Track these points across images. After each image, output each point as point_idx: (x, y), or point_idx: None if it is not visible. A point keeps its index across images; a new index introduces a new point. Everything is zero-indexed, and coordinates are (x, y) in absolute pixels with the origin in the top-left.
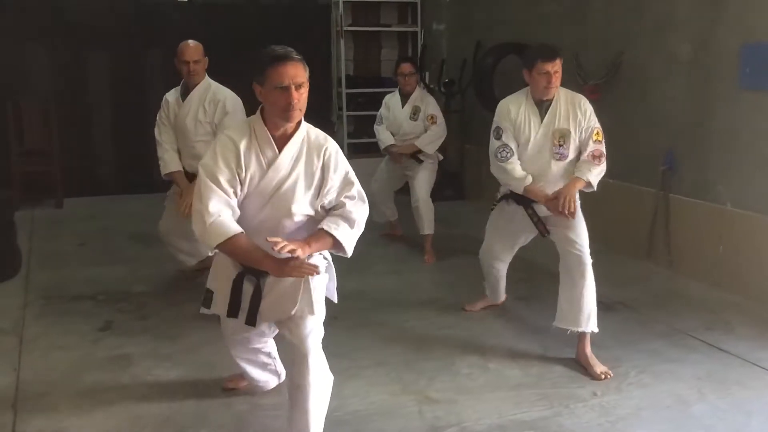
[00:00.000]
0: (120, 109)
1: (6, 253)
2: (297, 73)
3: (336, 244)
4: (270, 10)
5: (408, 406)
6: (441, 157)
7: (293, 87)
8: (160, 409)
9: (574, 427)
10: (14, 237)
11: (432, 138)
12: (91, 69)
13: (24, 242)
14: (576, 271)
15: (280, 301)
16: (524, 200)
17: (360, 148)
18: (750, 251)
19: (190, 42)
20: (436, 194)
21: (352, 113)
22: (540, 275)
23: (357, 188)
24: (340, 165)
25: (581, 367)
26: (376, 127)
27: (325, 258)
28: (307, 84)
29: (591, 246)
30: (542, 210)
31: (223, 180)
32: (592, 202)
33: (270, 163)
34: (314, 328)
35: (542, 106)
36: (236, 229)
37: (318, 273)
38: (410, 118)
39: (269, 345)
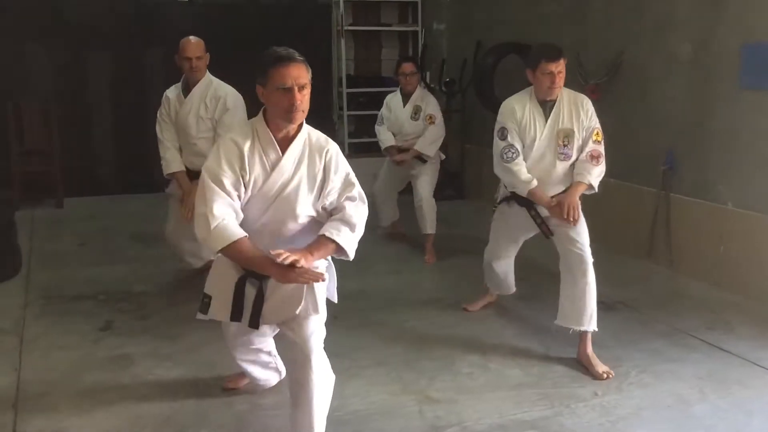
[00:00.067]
0: (120, 109)
1: (6, 253)
2: (300, 75)
3: (338, 250)
4: (270, 10)
5: (408, 405)
6: (443, 157)
7: (296, 88)
8: (161, 409)
9: (575, 427)
10: (14, 237)
11: (431, 139)
12: (91, 69)
13: (24, 242)
14: (577, 270)
15: (284, 303)
16: (527, 202)
17: (361, 147)
18: (750, 251)
19: (192, 38)
20: (437, 194)
21: (352, 113)
22: (540, 275)
23: (357, 189)
24: (341, 166)
25: (582, 366)
26: (377, 127)
27: (325, 258)
28: (310, 85)
29: (591, 245)
30: (544, 210)
31: (227, 183)
32: (592, 201)
33: (273, 166)
34: (317, 328)
35: (546, 106)
36: (240, 233)
37: (324, 280)
38: (411, 118)
39: (269, 343)
